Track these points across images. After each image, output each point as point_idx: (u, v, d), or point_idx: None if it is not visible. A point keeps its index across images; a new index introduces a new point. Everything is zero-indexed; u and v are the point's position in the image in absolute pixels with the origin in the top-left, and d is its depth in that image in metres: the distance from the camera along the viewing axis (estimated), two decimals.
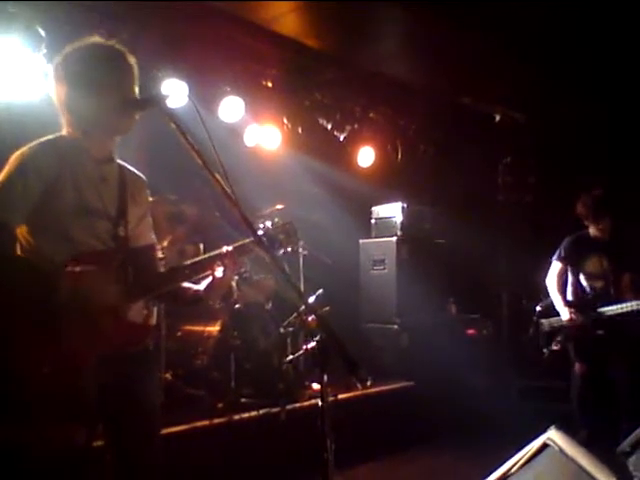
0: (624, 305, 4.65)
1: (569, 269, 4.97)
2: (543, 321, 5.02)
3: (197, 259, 2.43)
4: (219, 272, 2.38)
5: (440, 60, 5.84)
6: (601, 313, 4.73)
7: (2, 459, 1.95)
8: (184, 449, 3.99)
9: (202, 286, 2.44)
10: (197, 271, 2.38)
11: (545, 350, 4.96)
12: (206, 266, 2.39)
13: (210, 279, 2.41)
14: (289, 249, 2.58)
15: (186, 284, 2.42)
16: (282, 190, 6.20)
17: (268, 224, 2.57)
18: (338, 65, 6.11)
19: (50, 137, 2.24)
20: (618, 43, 5.35)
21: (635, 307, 4.60)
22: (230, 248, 2.40)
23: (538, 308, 5.12)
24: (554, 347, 4.91)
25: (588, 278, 4.89)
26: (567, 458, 2.30)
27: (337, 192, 6.95)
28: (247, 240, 2.42)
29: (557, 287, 4.95)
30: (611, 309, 4.70)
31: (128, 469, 2.26)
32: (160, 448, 2.32)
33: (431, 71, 6.22)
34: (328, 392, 1.64)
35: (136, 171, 2.47)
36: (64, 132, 2.28)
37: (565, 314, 4.81)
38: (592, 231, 4.95)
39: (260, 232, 2.52)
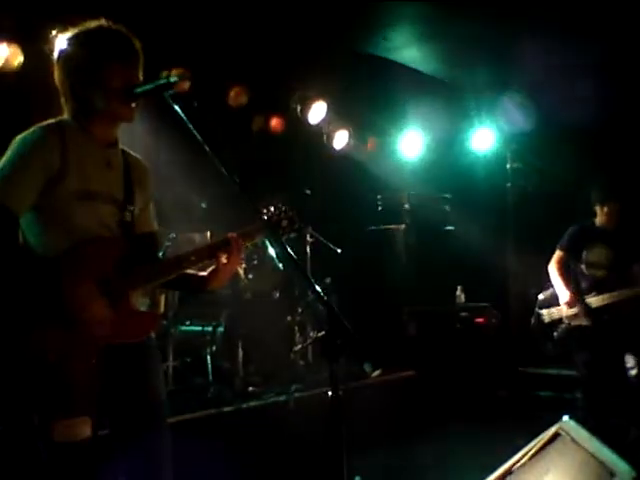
0: (611, 294, 4.65)
1: (571, 257, 4.94)
2: (543, 312, 4.98)
3: (203, 246, 2.41)
4: (224, 259, 2.36)
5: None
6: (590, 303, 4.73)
7: (7, 448, 1.94)
8: (191, 438, 3.98)
9: (207, 273, 2.42)
10: (203, 258, 2.36)
11: (549, 344, 4.93)
12: (212, 253, 2.37)
13: (215, 266, 2.39)
14: (292, 235, 2.56)
15: (191, 270, 2.40)
16: (290, 176, 6.19)
17: (272, 209, 2.55)
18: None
19: (52, 121, 2.19)
20: None
21: (623, 296, 4.60)
22: (235, 234, 2.38)
23: (540, 297, 5.06)
24: (555, 337, 4.88)
25: (590, 267, 4.86)
26: (579, 447, 2.28)
27: (347, 179, 6.92)
28: (252, 226, 2.41)
29: (558, 272, 4.92)
30: (598, 299, 4.69)
31: (134, 459, 2.24)
32: (168, 437, 2.30)
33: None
34: (339, 381, 1.61)
35: (139, 157, 2.44)
36: (66, 116, 2.25)
37: (565, 296, 4.78)
38: (598, 219, 4.93)
39: (265, 217, 2.50)
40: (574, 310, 4.76)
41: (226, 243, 2.36)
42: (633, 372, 4.63)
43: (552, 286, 4.96)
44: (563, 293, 4.81)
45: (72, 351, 2.02)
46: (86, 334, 2.04)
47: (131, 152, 2.41)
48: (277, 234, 2.47)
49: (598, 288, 4.73)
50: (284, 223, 2.55)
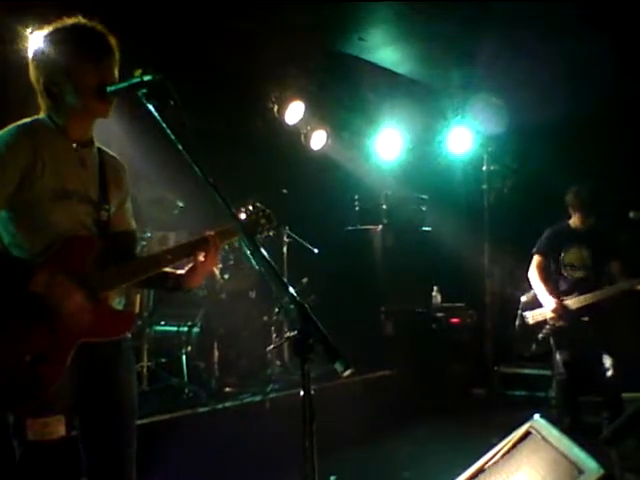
0: (594, 294, 4.70)
1: (550, 261, 4.98)
2: (527, 314, 5.00)
3: (180, 244, 2.40)
4: (201, 257, 2.36)
5: None
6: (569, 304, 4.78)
7: None
8: (167, 438, 3.97)
9: (184, 271, 2.41)
10: (179, 256, 2.35)
11: (533, 345, 4.96)
12: (190, 251, 2.36)
13: (192, 264, 2.38)
14: (270, 233, 2.56)
15: (168, 269, 2.39)
16: (267, 176, 6.17)
17: (250, 208, 2.55)
18: None
19: (27, 120, 2.19)
20: None
21: (605, 295, 4.67)
22: (212, 233, 2.37)
23: (523, 299, 5.09)
24: (540, 338, 4.91)
25: (568, 268, 4.90)
26: (550, 446, 2.31)
27: (324, 179, 6.93)
28: (231, 225, 2.39)
29: (540, 278, 4.95)
30: (579, 300, 4.74)
31: (104, 460, 2.24)
32: (134, 440, 2.30)
33: None
34: (313, 381, 1.62)
35: (116, 156, 2.43)
36: (42, 114, 2.23)
37: (550, 304, 4.82)
38: (574, 222, 4.97)
39: (242, 216, 2.50)
40: (559, 313, 4.79)
41: (204, 241, 2.36)
42: (609, 373, 4.69)
43: (533, 290, 5.00)
44: (548, 300, 4.83)
45: (48, 350, 2.01)
46: (63, 331, 2.03)
47: (108, 151, 2.40)
48: (255, 232, 2.48)
49: (579, 289, 4.78)
50: (262, 221, 2.56)
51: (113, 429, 2.24)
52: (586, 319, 4.74)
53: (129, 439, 2.27)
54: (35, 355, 1.99)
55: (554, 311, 4.79)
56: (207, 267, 2.39)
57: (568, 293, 4.82)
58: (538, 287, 4.94)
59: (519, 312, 5.06)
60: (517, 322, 5.07)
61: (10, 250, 2.11)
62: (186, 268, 2.41)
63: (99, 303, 2.14)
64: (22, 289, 1.98)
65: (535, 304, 4.96)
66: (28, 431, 1.99)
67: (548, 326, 4.87)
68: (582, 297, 4.74)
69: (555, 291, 4.87)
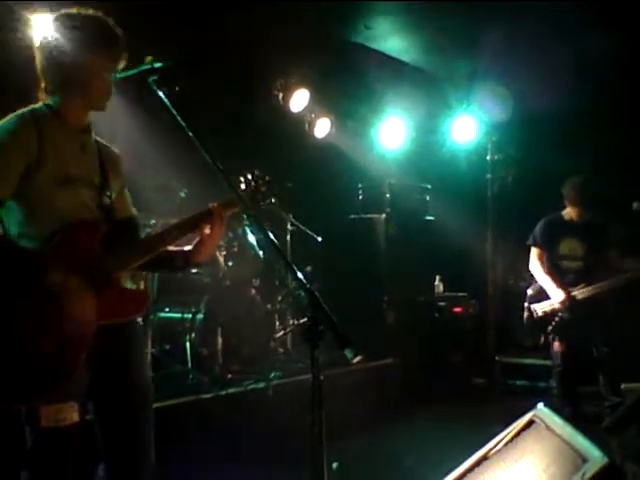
0: (600, 285, 4.71)
1: (546, 252, 4.98)
2: (534, 307, 4.97)
3: (184, 219, 2.40)
4: (207, 230, 2.36)
5: None
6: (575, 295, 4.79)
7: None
8: (170, 425, 3.99)
9: (191, 247, 2.42)
10: (185, 230, 2.36)
11: (542, 337, 4.96)
12: (194, 224, 2.37)
13: (199, 238, 2.39)
14: (272, 200, 2.56)
15: (174, 248, 2.41)
16: (271, 164, 6.15)
17: (249, 177, 2.55)
18: None
19: (26, 109, 2.20)
20: None
21: (610, 286, 4.69)
22: (216, 204, 2.38)
23: (530, 292, 5.05)
24: (548, 330, 4.90)
25: (564, 260, 4.91)
26: (554, 435, 2.32)
27: (328, 167, 6.92)
28: (232, 195, 2.38)
29: (543, 270, 4.95)
30: (587, 290, 4.76)
31: (122, 445, 2.26)
32: (152, 423, 2.31)
33: None
34: (319, 368, 1.64)
35: (110, 146, 2.45)
36: (40, 103, 2.25)
37: (558, 296, 4.81)
38: (568, 213, 4.97)
39: (242, 186, 2.50)
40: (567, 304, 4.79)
41: (208, 213, 2.36)
42: (608, 362, 4.72)
43: (539, 283, 4.99)
44: (555, 292, 4.83)
45: (65, 340, 2.02)
46: (79, 320, 2.05)
47: (101, 140, 2.41)
48: (257, 201, 2.48)
49: (583, 280, 4.78)
50: (263, 189, 2.56)
51: (129, 413, 2.26)
52: (592, 310, 4.74)
53: (146, 422, 2.30)
54: (60, 343, 2.01)
55: (563, 303, 4.78)
56: (214, 239, 2.40)
57: (572, 284, 4.82)
58: (543, 279, 4.92)
59: (526, 305, 5.03)
60: (525, 315, 5.04)
61: (19, 241, 2.12)
62: (193, 243, 2.42)
63: (111, 286, 2.16)
64: (36, 282, 1.99)
65: (542, 296, 4.94)
66: (42, 417, 2.01)
67: (557, 318, 4.86)
68: (589, 288, 4.74)
69: (560, 282, 4.87)
